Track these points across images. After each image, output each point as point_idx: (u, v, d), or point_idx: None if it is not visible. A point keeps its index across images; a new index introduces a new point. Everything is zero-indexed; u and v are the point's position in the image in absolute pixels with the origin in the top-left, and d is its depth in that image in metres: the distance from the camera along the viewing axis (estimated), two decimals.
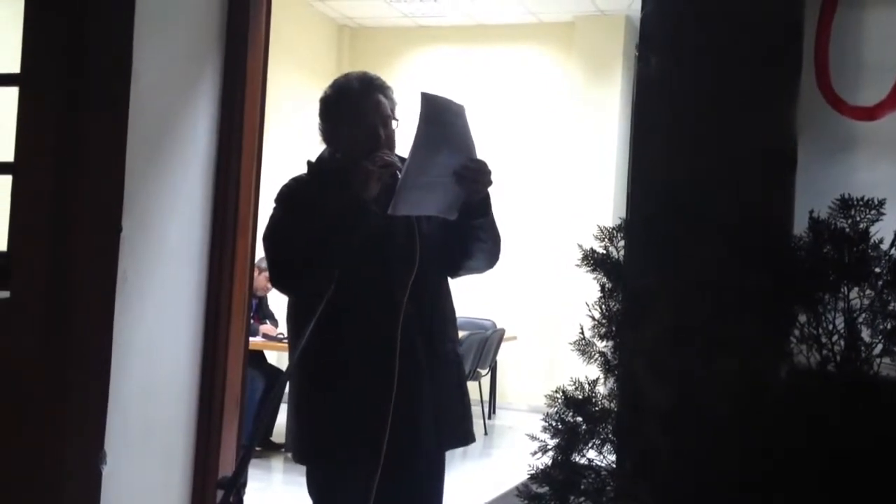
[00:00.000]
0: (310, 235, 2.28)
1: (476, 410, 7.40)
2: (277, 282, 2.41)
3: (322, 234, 2.27)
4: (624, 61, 8.24)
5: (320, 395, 2.38)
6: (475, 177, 2.30)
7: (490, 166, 2.35)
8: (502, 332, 7.86)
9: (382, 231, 2.32)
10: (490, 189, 2.38)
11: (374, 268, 2.33)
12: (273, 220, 2.42)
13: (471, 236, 2.41)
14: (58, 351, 2.61)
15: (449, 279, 2.53)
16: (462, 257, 2.46)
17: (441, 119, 2.24)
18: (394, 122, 2.45)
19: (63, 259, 2.63)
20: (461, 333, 6.80)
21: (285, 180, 2.50)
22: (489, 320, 8.21)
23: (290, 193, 2.45)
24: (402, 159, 2.30)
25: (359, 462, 2.33)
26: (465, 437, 2.48)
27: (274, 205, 2.45)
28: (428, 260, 2.38)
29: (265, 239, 2.42)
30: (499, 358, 7.99)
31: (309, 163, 2.48)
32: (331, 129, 2.47)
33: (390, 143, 2.42)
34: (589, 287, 2.12)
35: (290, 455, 2.57)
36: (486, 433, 7.40)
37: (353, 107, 2.41)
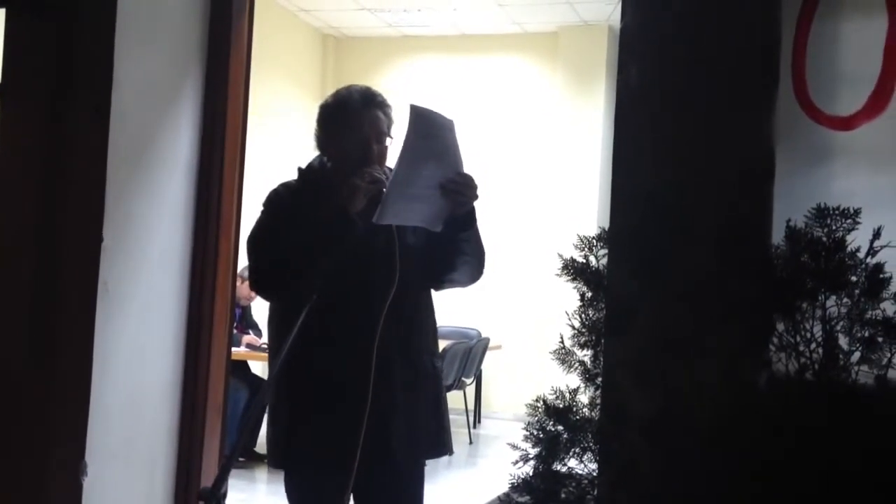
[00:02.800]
0: (293, 243, 2.29)
1: (461, 420, 7.47)
2: (257, 286, 2.43)
3: (306, 242, 2.28)
4: (607, 71, 8.26)
5: (296, 402, 2.38)
6: (461, 190, 2.32)
7: (476, 178, 2.36)
8: (487, 340, 7.85)
9: (365, 243, 2.32)
10: (476, 201, 2.39)
11: (354, 279, 2.34)
12: (258, 224, 2.43)
13: (455, 249, 2.42)
14: (39, 361, 2.61)
15: (433, 292, 2.54)
16: (445, 270, 2.47)
17: (430, 132, 2.26)
18: (388, 140, 2.46)
19: (46, 269, 2.62)
20: (446, 342, 6.85)
21: (269, 189, 2.50)
22: (474, 329, 8.20)
23: (278, 199, 2.45)
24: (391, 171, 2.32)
25: (332, 468, 2.33)
26: (442, 449, 2.49)
27: (261, 209, 2.46)
28: (411, 272, 2.39)
29: (249, 241, 2.42)
30: (484, 367, 7.98)
31: (300, 169, 2.49)
32: (325, 137, 2.49)
33: (382, 158, 2.44)
34: (574, 295, 2.12)
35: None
36: (470, 442, 7.39)
37: (349, 118, 2.43)
